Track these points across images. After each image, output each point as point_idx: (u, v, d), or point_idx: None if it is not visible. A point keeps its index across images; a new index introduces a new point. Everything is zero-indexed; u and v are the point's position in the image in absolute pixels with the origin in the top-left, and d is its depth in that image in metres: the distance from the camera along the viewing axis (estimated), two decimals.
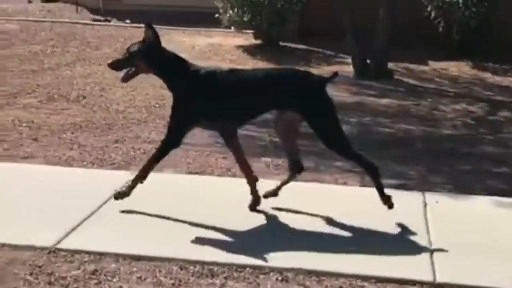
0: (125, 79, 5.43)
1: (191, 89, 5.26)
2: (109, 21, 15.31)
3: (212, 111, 5.29)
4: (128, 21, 15.24)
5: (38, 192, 5.75)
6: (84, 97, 9.14)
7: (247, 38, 13.55)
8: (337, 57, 12.10)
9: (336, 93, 9.61)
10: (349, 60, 11.71)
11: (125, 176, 5.92)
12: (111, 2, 16.53)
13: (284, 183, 5.65)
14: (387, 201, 5.35)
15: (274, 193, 5.63)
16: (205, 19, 15.51)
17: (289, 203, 5.60)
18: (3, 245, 4.78)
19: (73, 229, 5.04)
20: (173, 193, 5.82)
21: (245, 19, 12.13)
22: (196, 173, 6.52)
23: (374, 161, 5.49)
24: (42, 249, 4.76)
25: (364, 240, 5.06)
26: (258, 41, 13.12)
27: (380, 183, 5.37)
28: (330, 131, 5.32)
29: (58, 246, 4.77)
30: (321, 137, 5.37)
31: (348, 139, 5.43)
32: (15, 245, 4.79)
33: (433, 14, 11.91)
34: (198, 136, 7.20)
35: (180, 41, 13.18)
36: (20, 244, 4.79)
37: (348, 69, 11.29)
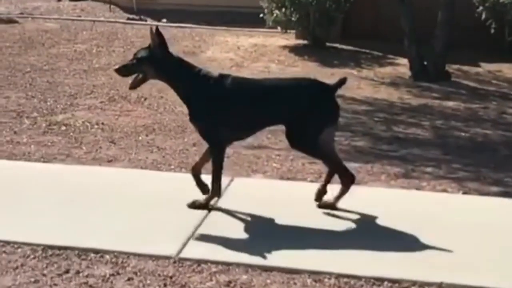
0: (133, 86, 5.33)
1: (200, 94, 5.16)
2: (145, 20, 15.12)
3: (223, 119, 5.19)
4: (164, 20, 15.10)
5: (144, 198, 5.58)
6: (145, 98, 8.99)
7: (289, 38, 13.42)
8: (386, 58, 11.97)
9: (400, 95, 9.52)
10: (400, 61, 11.61)
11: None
12: (145, 1, 16.39)
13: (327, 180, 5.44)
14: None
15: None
16: (241, 18, 15.42)
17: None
18: (127, 254, 4.61)
19: (189, 238, 4.87)
20: (273, 199, 5.66)
21: (293, 19, 11.94)
22: (288, 178, 6.34)
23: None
24: (166, 258, 4.58)
25: None
26: (301, 42, 12.95)
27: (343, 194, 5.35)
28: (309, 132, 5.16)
29: (182, 256, 4.61)
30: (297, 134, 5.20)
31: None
32: (138, 254, 4.61)
33: (484, 16, 11.72)
34: (272, 139, 7.13)
35: (224, 41, 13.05)
36: (142, 253, 4.62)
37: (401, 70, 11.18)
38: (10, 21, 13.52)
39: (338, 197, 5.35)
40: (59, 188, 5.72)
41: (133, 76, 5.30)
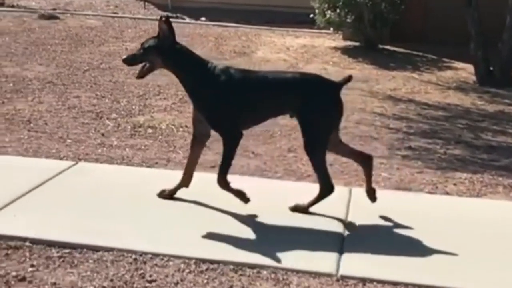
0: (141, 75, 5.25)
1: (206, 86, 5.10)
2: (183, 18, 14.91)
3: (227, 111, 5.11)
4: (203, 18, 14.91)
5: (277, 208, 5.35)
6: None
7: (336, 39, 13.26)
8: (442, 62, 11.83)
9: (471, 100, 9.37)
10: (457, 65, 11.50)
11: (341, 192, 5.58)
12: None
13: (367, 175, 5.39)
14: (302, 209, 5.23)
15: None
16: (280, 18, 15.26)
17: None
18: (284, 270, 4.42)
19: (341, 252, 4.68)
20: (406, 211, 5.48)
21: (348, 20, 11.76)
22: (406, 189, 6.15)
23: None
24: (328, 276, 4.40)
25: None
26: (349, 43, 12.80)
27: (317, 201, 5.23)
28: (317, 138, 5.13)
29: (343, 273, 4.41)
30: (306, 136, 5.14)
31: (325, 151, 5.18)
32: (296, 270, 4.43)
33: None
34: (365, 146, 7.01)
35: (271, 42, 12.88)
36: (301, 269, 4.44)
37: (463, 75, 11.06)
38: (51, 17, 13.27)
39: (313, 202, 5.28)
40: (183, 196, 5.46)
41: (140, 65, 5.24)
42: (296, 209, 5.31)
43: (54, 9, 14.95)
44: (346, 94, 9.51)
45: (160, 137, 7.31)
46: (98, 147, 6.88)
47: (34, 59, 10.40)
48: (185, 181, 5.46)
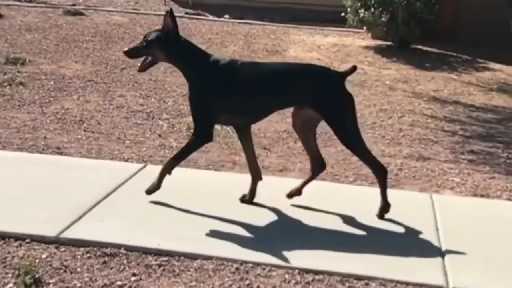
0: (142, 68, 5.21)
1: (211, 80, 5.04)
2: (204, 15, 14.72)
3: (231, 104, 5.06)
4: (226, 16, 14.73)
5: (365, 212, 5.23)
6: None
7: (364, 38, 13.11)
8: (477, 63, 11.70)
9: None
10: (494, 66, 11.43)
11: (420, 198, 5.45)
12: None
13: (306, 182, 5.38)
14: (384, 208, 5.15)
15: (297, 192, 5.39)
16: (304, 16, 15.10)
17: None
18: (393, 281, 4.27)
19: (443, 263, 4.54)
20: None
21: (383, 19, 11.62)
22: (483, 195, 6.02)
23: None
24: None
25: None
26: (379, 42, 12.66)
27: (385, 186, 5.14)
28: (348, 129, 5.08)
29: (455, 286, 4.27)
30: (339, 135, 5.15)
31: (363, 139, 5.15)
32: (405, 282, 4.28)
33: None
34: (428, 149, 6.86)
35: (300, 40, 12.73)
36: (410, 281, 4.30)
37: (502, 76, 10.95)
38: (76, 13, 13.06)
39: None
40: (269, 201, 5.32)
41: (141, 58, 5.20)
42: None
43: (73, 5, 14.69)
44: (389, 95, 9.47)
45: (217, 139, 7.12)
46: (159, 149, 6.71)
47: (68, 57, 10.20)
48: (255, 174, 5.35)
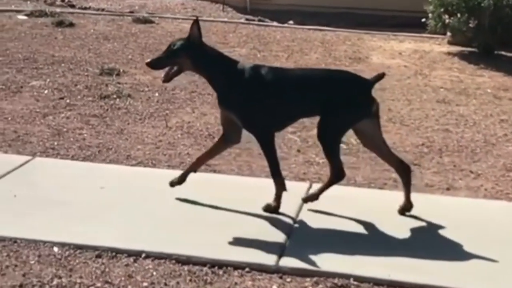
0: (168, 78, 5.14)
1: (238, 88, 5.02)
2: (267, 21, 14.40)
3: (259, 112, 5.03)
4: (291, 22, 14.43)
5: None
6: None
7: (441, 44, 12.80)
8: None
9: None
10: None
11: None
12: (258, 1, 15.71)
13: (406, 189, 5.25)
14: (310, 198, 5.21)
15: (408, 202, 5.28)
16: (365, 21, 14.79)
17: None
18: None
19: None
20: None
21: (470, 25, 11.30)
22: None
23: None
24: None
25: None
26: (459, 48, 12.35)
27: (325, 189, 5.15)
28: (338, 126, 5.07)
29: None
30: (324, 125, 5.08)
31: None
32: None
33: None
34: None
35: (377, 46, 12.42)
36: None
37: None
38: (146, 21, 12.75)
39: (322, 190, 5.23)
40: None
41: (166, 68, 5.15)
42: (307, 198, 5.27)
43: (132, 12, 14.39)
44: (499, 105, 9.13)
45: (358, 153, 6.80)
46: (309, 166, 6.37)
47: None
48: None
